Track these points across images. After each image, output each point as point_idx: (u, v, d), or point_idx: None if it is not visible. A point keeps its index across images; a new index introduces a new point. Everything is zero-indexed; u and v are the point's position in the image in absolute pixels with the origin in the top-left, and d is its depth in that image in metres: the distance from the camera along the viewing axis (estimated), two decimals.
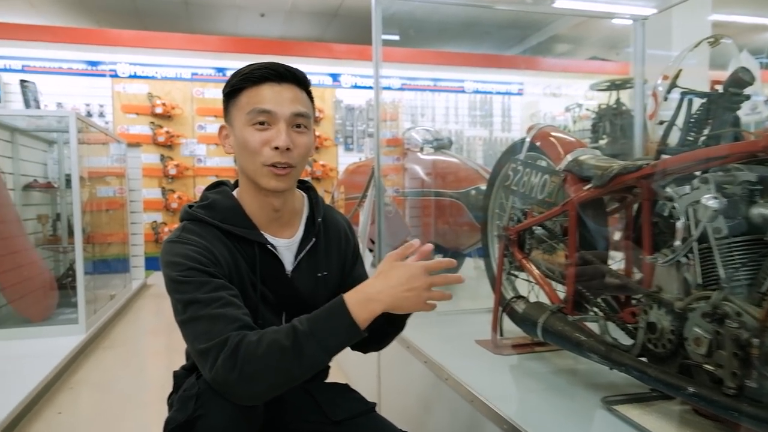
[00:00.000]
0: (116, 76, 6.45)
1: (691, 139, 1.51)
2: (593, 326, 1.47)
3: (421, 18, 5.26)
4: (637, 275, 1.57)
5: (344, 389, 1.33)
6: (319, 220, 1.23)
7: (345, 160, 6.87)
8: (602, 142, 4.54)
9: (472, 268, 3.36)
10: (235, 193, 1.20)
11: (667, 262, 1.19)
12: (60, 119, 3.79)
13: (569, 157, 1.59)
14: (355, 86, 7.19)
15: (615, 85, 4.84)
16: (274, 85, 1.10)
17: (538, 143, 1.76)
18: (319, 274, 1.22)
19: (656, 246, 1.36)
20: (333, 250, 1.26)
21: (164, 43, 6.54)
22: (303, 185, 1.31)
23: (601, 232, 1.51)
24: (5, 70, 6.07)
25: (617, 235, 1.61)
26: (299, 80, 1.14)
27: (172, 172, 6.53)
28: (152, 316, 4.61)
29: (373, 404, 1.29)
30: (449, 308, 2.74)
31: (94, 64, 6.40)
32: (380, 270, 1.02)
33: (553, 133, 1.74)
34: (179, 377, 1.22)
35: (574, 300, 1.53)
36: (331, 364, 1.37)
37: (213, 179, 1.28)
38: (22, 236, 3.57)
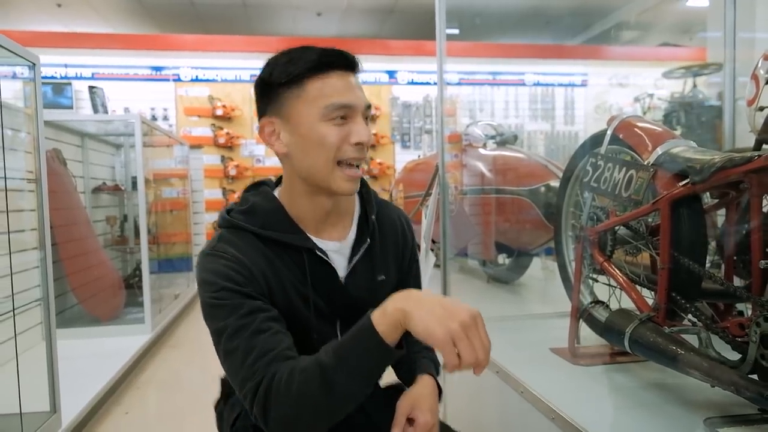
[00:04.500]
0: (179, 80, 6.61)
1: None
2: (687, 338, 1.32)
3: (480, 10, 5.09)
4: (736, 281, 1.41)
5: None
6: (373, 218, 1.11)
7: (402, 158, 6.76)
8: (676, 133, 4.26)
9: (539, 268, 3.20)
10: (276, 193, 1.09)
11: None
12: (126, 123, 3.90)
13: (660, 150, 1.43)
14: (412, 82, 7.08)
15: (691, 72, 4.53)
16: (342, 74, 0.99)
17: (621, 135, 1.61)
18: (377, 279, 1.10)
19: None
20: (389, 250, 1.14)
21: (224, 45, 6.66)
22: None
23: (698, 232, 1.35)
24: (77, 78, 6.33)
25: (716, 236, 1.45)
26: (357, 68, 1.02)
27: (232, 172, 6.64)
28: None
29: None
30: (518, 313, 2.60)
31: (158, 69, 6.58)
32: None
33: (638, 124, 1.57)
34: (227, 385, 1.17)
35: (666, 308, 1.38)
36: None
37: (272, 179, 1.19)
38: (92, 238, 3.69)
